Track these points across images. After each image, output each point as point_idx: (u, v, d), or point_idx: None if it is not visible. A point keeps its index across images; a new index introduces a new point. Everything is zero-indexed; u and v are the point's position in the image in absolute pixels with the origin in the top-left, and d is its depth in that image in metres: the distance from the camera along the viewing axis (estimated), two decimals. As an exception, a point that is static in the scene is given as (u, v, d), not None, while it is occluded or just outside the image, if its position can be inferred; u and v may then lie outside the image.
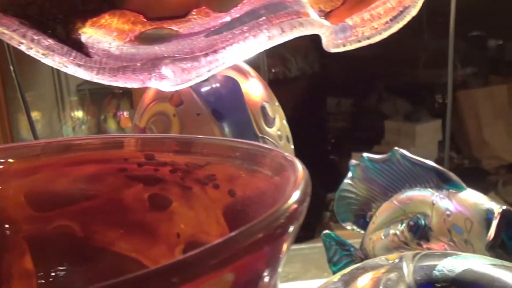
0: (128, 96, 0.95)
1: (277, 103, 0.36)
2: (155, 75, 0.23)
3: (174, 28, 0.26)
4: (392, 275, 0.24)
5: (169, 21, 0.25)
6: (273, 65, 1.68)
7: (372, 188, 0.42)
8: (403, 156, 0.39)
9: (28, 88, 0.94)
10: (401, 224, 0.39)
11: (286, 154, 0.22)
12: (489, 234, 0.34)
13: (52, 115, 0.95)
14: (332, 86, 2.00)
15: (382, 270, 0.24)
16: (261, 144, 0.23)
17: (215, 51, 0.23)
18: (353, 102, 2.06)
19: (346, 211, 0.44)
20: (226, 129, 0.32)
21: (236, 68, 0.35)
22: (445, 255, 0.25)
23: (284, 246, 0.18)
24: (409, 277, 0.24)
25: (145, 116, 0.33)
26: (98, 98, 1.09)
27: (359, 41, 0.29)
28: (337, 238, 0.44)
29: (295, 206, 0.18)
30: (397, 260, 0.25)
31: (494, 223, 0.34)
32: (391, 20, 0.29)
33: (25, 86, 0.95)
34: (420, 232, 0.37)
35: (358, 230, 0.44)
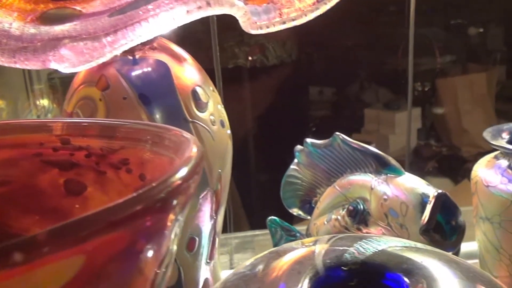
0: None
1: (211, 88, 0.36)
2: (54, 56, 0.23)
3: (78, 7, 0.25)
4: (303, 259, 0.24)
5: (73, 1, 0.25)
6: (251, 53, 1.67)
7: (316, 174, 0.42)
8: (344, 141, 0.39)
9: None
10: (343, 209, 0.39)
11: (184, 133, 0.22)
12: (423, 218, 0.34)
13: (18, 103, 0.94)
14: (315, 74, 2.00)
15: (295, 254, 0.24)
16: (167, 126, 0.23)
17: (116, 31, 0.23)
18: (335, 91, 2.06)
19: (292, 196, 0.44)
20: (154, 114, 0.31)
21: (169, 52, 0.34)
22: (360, 238, 0.25)
23: (169, 220, 0.18)
24: (319, 260, 0.23)
25: (72, 100, 0.33)
26: (69, 87, 1.07)
27: (284, 23, 0.28)
28: (283, 224, 0.43)
29: (178, 182, 0.18)
30: (311, 244, 0.25)
31: (428, 207, 0.34)
32: (318, 1, 0.29)
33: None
34: (358, 217, 0.37)
35: (305, 215, 0.44)
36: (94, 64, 0.23)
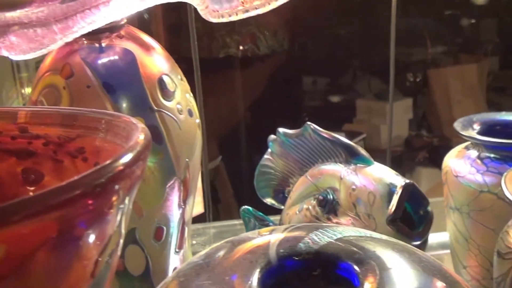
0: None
1: (180, 77, 0.35)
2: (3, 43, 0.22)
3: (30, -6, 0.25)
4: (257, 249, 0.24)
5: (25, -13, 0.25)
6: (242, 42, 1.66)
7: (288, 163, 0.42)
8: (314, 130, 0.38)
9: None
10: (314, 199, 0.39)
11: (133, 120, 0.22)
12: (389, 208, 0.34)
13: (3, 92, 0.93)
14: (306, 64, 1.99)
15: (250, 243, 0.24)
16: (117, 113, 0.23)
17: (66, 18, 0.22)
18: (329, 81, 2.05)
19: (265, 186, 0.44)
20: (119, 103, 0.31)
21: (136, 41, 0.34)
22: (316, 228, 0.25)
23: (111, 205, 0.18)
24: (272, 250, 0.23)
25: (37, 88, 0.32)
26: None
27: (247, 11, 0.28)
28: (256, 213, 0.43)
29: (120, 167, 0.18)
30: (267, 234, 0.25)
31: (395, 197, 0.34)
32: (282, -10, 0.29)
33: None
34: (328, 207, 0.37)
35: (278, 205, 0.44)
36: (45, 51, 0.23)
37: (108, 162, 0.18)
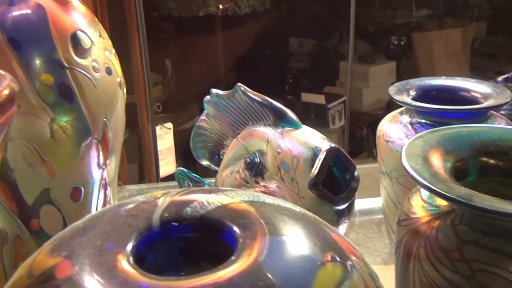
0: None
1: (99, 33, 0.34)
2: None
3: None
4: (141, 212, 0.23)
5: None
6: (222, 1, 1.63)
7: (222, 125, 0.41)
8: (244, 92, 0.37)
9: None
10: (244, 162, 0.38)
11: (2, 72, 0.20)
12: (312, 172, 0.33)
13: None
14: (289, 25, 1.96)
15: (138, 207, 0.23)
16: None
17: None
18: (316, 43, 2.03)
19: (201, 148, 0.43)
20: (26, 59, 0.30)
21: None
22: (209, 192, 0.24)
23: None
24: (156, 214, 0.23)
25: None
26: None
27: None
28: (191, 175, 0.43)
29: None
30: (158, 197, 0.24)
31: (318, 160, 0.33)
32: None
33: None
34: (255, 170, 0.37)
35: (214, 167, 0.43)
36: None
37: None
